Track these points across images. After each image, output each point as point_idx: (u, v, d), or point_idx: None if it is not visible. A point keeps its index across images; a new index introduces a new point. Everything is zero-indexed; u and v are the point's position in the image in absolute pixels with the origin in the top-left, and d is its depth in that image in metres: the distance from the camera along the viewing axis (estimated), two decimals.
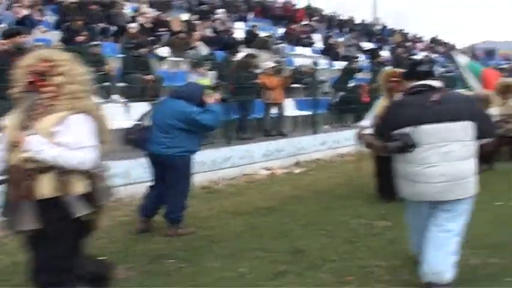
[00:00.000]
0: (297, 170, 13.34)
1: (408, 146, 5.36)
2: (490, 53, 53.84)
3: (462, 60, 14.69)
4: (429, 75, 5.68)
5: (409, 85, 5.74)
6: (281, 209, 9.36)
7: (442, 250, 5.45)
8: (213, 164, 12.25)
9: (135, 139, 7.79)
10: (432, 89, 5.52)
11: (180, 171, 7.68)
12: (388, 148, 5.59)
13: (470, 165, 5.45)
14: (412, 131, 5.35)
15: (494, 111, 11.32)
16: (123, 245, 7.40)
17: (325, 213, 8.95)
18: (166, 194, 7.80)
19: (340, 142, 16.38)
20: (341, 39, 28.18)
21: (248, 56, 15.66)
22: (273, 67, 15.77)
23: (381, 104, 8.88)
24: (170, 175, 7.72)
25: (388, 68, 13.52)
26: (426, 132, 5.33)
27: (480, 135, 5.49)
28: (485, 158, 11.02)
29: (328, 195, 10.45)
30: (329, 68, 23.71)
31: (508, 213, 8.77)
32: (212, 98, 7.82)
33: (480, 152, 5.75)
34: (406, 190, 5.61)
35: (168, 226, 7.92)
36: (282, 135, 15.32)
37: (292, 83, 18.87)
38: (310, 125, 16.96)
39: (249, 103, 14.91)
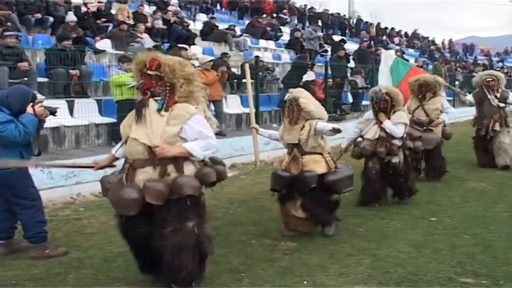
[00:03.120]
0: (229, 174, 12.12)
1: None
2: (469, 48, 53.24)
3: (388, 58, 13.42)
4: None
5: None
6: None
7: None
8: None
9: None
10: None
11: (10, 186, 6.50)
12: None
13: None
14: None
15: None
16: None
17: (225, 231, 7.82)
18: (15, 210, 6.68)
19: None
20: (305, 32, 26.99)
21: (175, 49, 14.44)
22: (209, 61, 14.54)
23: None
24: (2, 190, 6.61)
25: None
26: None
27: None
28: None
29: (244, 206, 9.52)
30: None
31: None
32: (31, 108, 6.57)
33: None
34: None
35: (33, 247, 6.81)
36: (220, 134, 14.09)
37: (241, 78, 17.86)
38: None
39: None
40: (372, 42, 34.40)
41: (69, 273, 6.15)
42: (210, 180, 5.57)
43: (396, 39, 42.88)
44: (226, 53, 17.91)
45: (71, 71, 13.06)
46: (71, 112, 12.40)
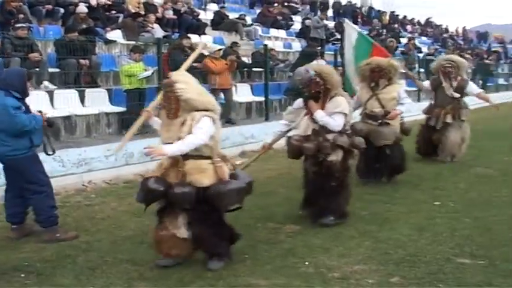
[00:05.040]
0: (238, 161, 12.26)
1: None
2: (482, 36, 52.93)
3: (352, 32, 11.53)
4: None
5: None
6: None
7: None
8: (141, 156, 11.33)
9: None
10: None
11: (20, 171, 6.75)
12: None
13: None
14: None
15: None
16: None
17: (232, 215, 7.96)
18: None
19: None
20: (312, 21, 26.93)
21: (182, 37, 14.63)
22: (218, 50, 14.72)
23: None
24: (14, 177, 6.86)
25: None
26: None
27: None
28: None
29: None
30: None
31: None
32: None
33: None
34: None
35: (44, 231, 7.02)
36: (230, 122, 14.29)
37: (252, 67, 18.08)
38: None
39: None
40: (385, 30, 34.33)
41: (79, 256, 6.35)
42: None
43: (409, 27, 42.70)
44: (236, 42, 18.03)
45: (80, 61, 13.21)
46: (82, 101, 12.57)
